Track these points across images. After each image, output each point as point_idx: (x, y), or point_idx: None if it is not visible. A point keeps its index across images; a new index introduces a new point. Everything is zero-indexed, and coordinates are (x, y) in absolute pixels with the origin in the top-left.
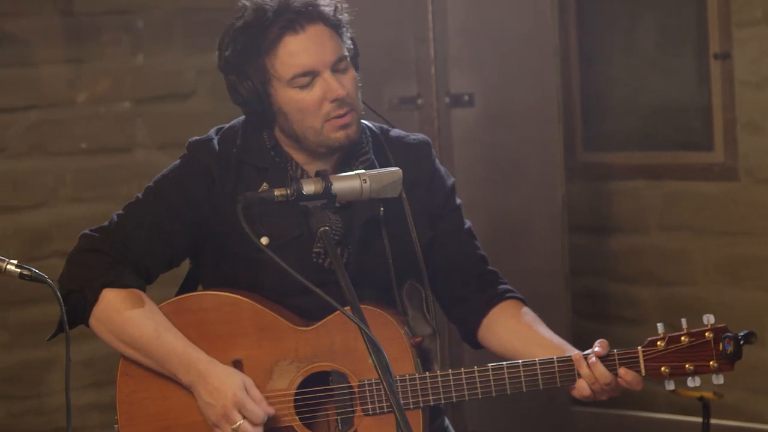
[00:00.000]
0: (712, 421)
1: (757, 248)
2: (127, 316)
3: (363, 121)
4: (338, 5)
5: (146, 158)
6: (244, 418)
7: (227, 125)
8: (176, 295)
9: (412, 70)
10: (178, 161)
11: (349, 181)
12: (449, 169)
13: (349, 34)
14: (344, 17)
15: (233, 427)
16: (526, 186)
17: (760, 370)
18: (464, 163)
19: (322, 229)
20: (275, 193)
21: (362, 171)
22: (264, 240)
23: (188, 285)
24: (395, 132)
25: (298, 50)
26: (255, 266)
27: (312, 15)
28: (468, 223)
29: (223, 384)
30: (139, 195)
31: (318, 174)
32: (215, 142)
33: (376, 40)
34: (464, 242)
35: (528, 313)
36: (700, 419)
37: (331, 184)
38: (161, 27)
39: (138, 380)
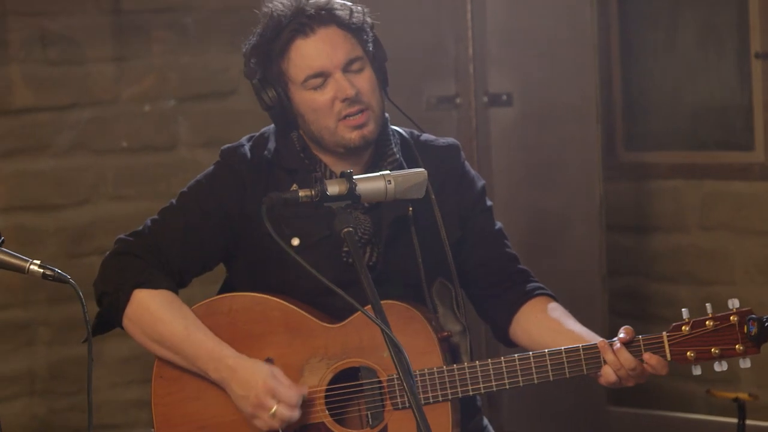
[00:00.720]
0: (748, 422)
1: None
2: (158, 315)
3: (393, 126)
4: (354, 9)
5: (188, 156)
6: (279, 402)
7: (258, 133)
8: None
9: (451, 70)
10: (211, 168)
11: (373, 182)
12: (487, 168)
13: (368, 38)
14: (362, 20)
15: (270, 413)
16: (564, 185)
17: None
18: (502, 162)
19: (345, 230)
20: (300, 194)
21: (387, 172)
22: (294, 241)
23: (225, 292)
24: (425, 136)
25: (309, 52)
26: (288, 267)
27: (324, 18)
28: (499, 224)
29: (252, 375)
30: (173, 200)
31: (343, 175)
32: (246, 148)
33: (414, 40)
34: (495, 242)
35: (557, 308)
36: (735, 420)
37: (356, 185)
38: (205, 25)
39: (172, 382)
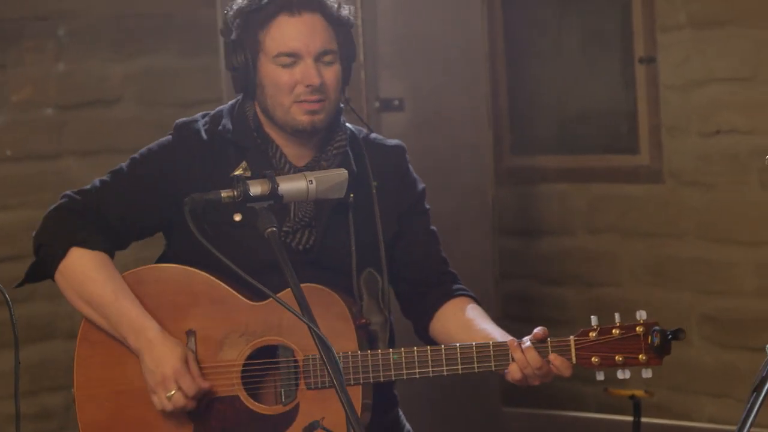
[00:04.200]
0: (643, 419)
1: (682, 249)
2: (90, 276)
3: (347, 124)
4: (342, 4)
5: (72, 165)
6: (180, 388)
7: (214, 110)
8: None
9: None
10: (165, 138)
11: (295, 182)
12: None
13: (346, 34)
14: (346, 17)
15: (167, 395)
16: (456, 190)
17: (686, 369)
18: None
19: (269, 230)
20: (222, 195)
21: (308, 172)
22: (237, 216)
23: (162, 262)
24: (374, 135)
25: (289, 31)
26: (223, 246)
27: (312, 4)
28: (434, 228)
29: (165, 354)
30: (123, 165)
31: (265, 175)
32: (200, 123)
33: None
34: (428, 244)
35: (476, 309)
36: (630, 418)
37: (278, 185)
38: (86, 33)
39: (96, 345)
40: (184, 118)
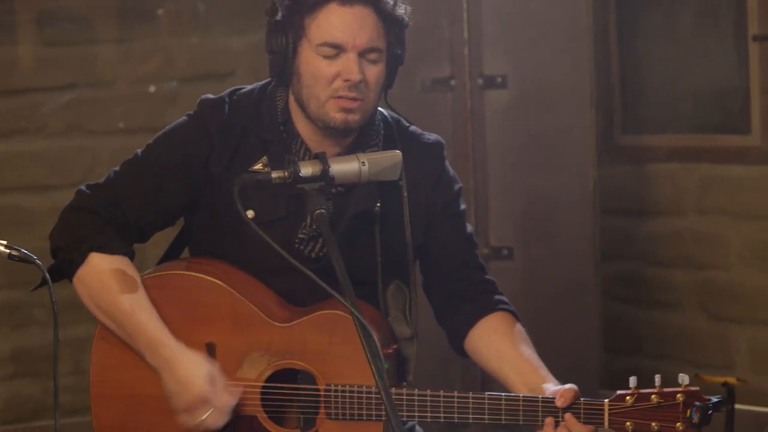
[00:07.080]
0: (738, 406)
1: None
2: (108, 285)
3: (381, 109)
4: (400, 3)
5: None
6: (212, 408)
7: (245, 89)
8: (165, 252)
9: (446, 52)
10: (184, 118)
11: (347, 164)
12: (482, 150)
13: (397, 36)
14: (401, 17)
15: (199, 420)
16: (559, 168)
17: None
18: (497, 144)
19: (318, 211)
20: (273, 176)
21: (360, 153)
22: (249, 213)
23: (179, 243)
24: (413, 128)
25: (337, 22)
26: (241, 239)
27: None
28: (469, 229)
29: (189, 375)
30: (138, 151)
31: (316, 156)
32: (226, 105)
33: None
34: (463, 248)
35: (514, 330)
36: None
37: (329, 167)
38: (201, 6)
39: (113, 346)
40: (210, 96)
